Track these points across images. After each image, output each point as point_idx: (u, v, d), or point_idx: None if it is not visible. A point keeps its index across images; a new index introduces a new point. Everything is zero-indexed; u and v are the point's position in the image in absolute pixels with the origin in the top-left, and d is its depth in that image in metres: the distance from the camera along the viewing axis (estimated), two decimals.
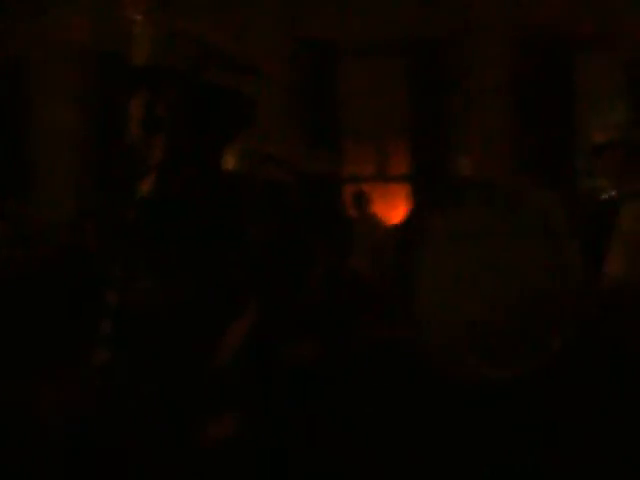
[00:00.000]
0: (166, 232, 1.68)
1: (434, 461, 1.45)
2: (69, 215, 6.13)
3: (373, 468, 1.45)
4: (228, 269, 1.71)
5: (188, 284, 1.67)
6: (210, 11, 6.26)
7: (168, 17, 1.71)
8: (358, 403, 1.55)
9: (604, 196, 3.63)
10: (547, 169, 7.30)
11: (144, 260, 1.69)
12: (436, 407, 1.59)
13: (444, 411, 1.54)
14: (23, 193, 7.44)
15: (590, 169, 3.73)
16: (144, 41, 1.65)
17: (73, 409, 1.87)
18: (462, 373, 1.39)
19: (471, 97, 7.72)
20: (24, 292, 3.91)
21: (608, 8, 7.56)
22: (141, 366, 1.73)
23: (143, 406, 1.76)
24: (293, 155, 3.57)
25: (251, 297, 1.79)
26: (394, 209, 7.59)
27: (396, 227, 5.63)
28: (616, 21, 7.63)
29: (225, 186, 1.79)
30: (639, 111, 7.55)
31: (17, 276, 4.61)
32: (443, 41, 7.79)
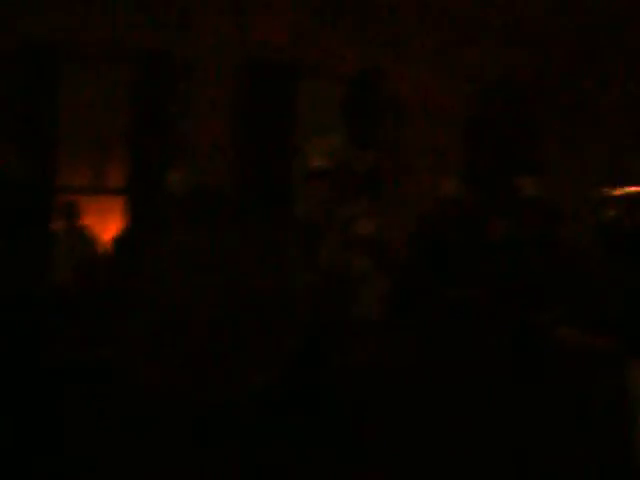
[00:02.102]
0: None
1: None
2: None
3: None
4: None
5: None
6: None
7: None
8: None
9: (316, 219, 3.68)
10: (267, 190, 7.41)
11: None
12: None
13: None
14: None
15: (304, 192, 3.74)
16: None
17: None
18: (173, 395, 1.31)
19: (192, 113, 7.66)
20: None
21: (329, 39, 7.91)
22: None
23: None
24: None
25: None
26: (109, 222, 7.31)
27: (111, 240, 5.43)
28: (336, 52, 8.00)
29: None
30: (353, 140, 7.92)
31: None
32: (168, 52, 7.66)
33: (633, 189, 4.49)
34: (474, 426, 4.28)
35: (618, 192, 4.57)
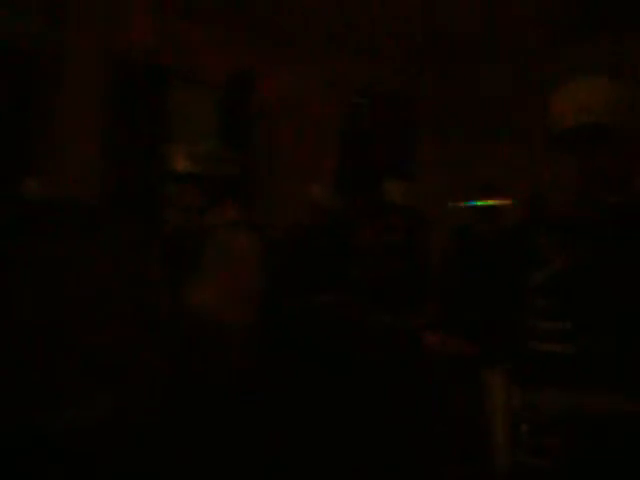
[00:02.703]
0: None
1: None
2: None
3: None
4: None
5: None
6: None
7: None
8: None
9: (189, 226, 3.57)
10: (135, 196, 7.19)
11: None
12: None
13: None
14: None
15: (174, 198, 3.62)
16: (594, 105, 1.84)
17: None
18: None
19: (57, 116, 7.34)
20: None
21: (200, 42, 7.78)
22: None
23: None
24: None
25: None
26: None
27: None
28: (208, 55, 7.88)
29: None
30: (225, 145, 7.82)
31: None
32: (32, 52, 7.31)
33: (492, 201, 4.61)
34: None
35: (479, 203, 4.67)
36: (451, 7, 8.10)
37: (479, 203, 4.63)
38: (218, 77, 8.09)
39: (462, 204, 4.83)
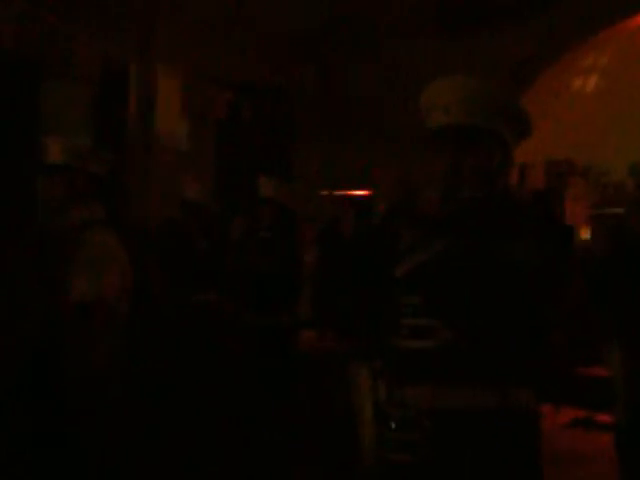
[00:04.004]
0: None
1: None
2: None
3: None
4: None
5: None
6: None
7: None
8: None
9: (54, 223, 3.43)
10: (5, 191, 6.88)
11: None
12: None
13: None
14: None
15: (41, 192, 3.46)
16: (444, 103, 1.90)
17: None
18: None
19: None
20: None
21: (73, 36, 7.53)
22: None
23: None
24: None
25: None
26: None
27: None
28: (80, 50, 7.63)
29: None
30: (98, 140, 7.64)
31: None
32: None
33: (359, 192, 4.67)
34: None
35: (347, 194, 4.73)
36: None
37: (344, 194, 4.68)
38: (92, 72, 7.84)
39: (329, 194, 4.87)
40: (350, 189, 4.53)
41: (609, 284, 3.66)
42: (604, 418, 5.19)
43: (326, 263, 4.45)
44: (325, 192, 4.88)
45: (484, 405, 1.80)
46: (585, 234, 5.32)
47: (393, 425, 1.90)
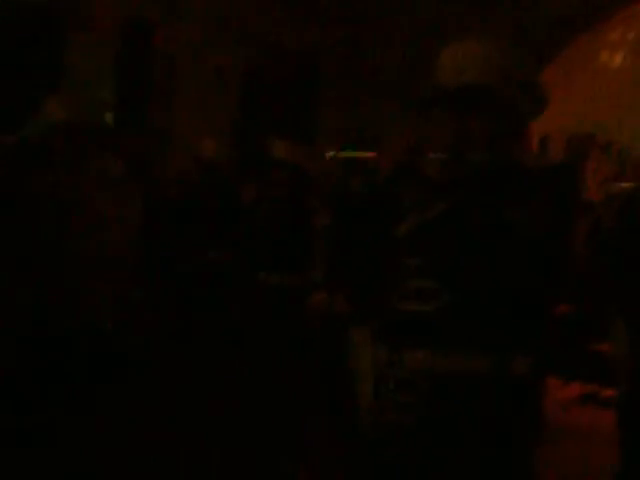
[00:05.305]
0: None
1: None
2: None
3: None
4: None
5: None
6: None
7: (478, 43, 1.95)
8: None
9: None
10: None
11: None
12: None
13: None
14: None
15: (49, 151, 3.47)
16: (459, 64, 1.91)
17: None
18: None
19: None
20: None
21: None
22: None
23: None
24: None
25: None
26: None
27: None
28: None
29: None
30: (121, 95, 7.64)
31: None
32: None
33: (362, 153, 4.64)
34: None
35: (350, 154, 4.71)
36: None
37: (350, 154, 4.66)
38: (115, 25, 7.81)
39: (336, 156, 4.85)
40: (357, 150, 4.51)
41: (614, 258, 3.64)
42: (610, 394, 5.19)
43: (336, 225, 4.44)
44: (331, 154, 4.84)
45: (480, 370, 1.81)
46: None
47: (391, 386, 1.91)
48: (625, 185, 4.41)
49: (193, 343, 4.72)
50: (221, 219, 5.13)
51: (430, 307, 1.85)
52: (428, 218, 1.92)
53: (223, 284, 4.91)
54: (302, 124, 8.92)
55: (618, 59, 8.95)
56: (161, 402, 4.14)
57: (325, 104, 9.22)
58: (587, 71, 8.75)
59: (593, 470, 4.30)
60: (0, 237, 3.05)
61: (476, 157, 1.93)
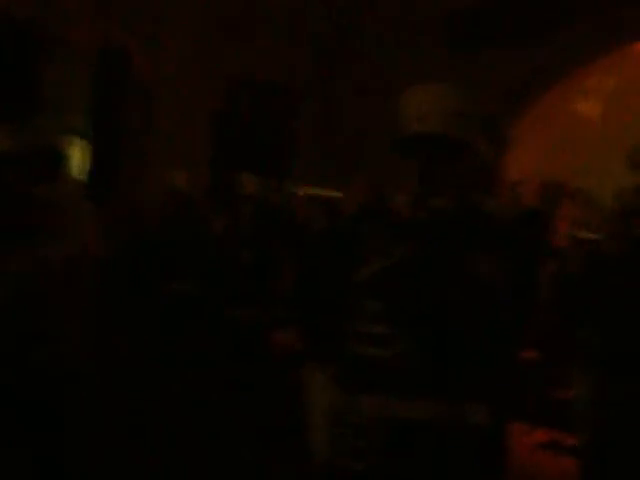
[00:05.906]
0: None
1: None
2: None
3: None
4: None
5: None
6: None
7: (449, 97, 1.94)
8: None
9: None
10: None
11: None
12: None
13: None
14: None
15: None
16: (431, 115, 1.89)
17: None
18: None
19: None
20: None
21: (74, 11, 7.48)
22: None
23: None
24: None
25: None
26: None
27: None
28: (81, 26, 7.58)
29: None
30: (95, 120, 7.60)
31: None
32: None
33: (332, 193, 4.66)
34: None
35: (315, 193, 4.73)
36: None
37: (316, 192, 4.66)
38: (93, 51, 7.77)
39: (304, 194, 4.85)
40: (324, 190, 4.51)
41: (579, 304, 3.66)
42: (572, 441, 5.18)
43: (299, 262, 4.44)
44: (300, 191, 4.85)
45: (438, 418, 1.78)
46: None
47: (345, 431, 1.88)
48: (590, 235, 4.47)
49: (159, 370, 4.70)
50: (190, 250, 5.11)
51: (388, 352, 1.83)
52: (390, 263, 1.90)
53: (189, 315, 4.87)
54: (275, 159, 8.93)
55: (593, 108, 9.08)
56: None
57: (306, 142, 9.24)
58: (562, 119, 8.86)
59: None
60: None
61: (438, 203, 1.92)
